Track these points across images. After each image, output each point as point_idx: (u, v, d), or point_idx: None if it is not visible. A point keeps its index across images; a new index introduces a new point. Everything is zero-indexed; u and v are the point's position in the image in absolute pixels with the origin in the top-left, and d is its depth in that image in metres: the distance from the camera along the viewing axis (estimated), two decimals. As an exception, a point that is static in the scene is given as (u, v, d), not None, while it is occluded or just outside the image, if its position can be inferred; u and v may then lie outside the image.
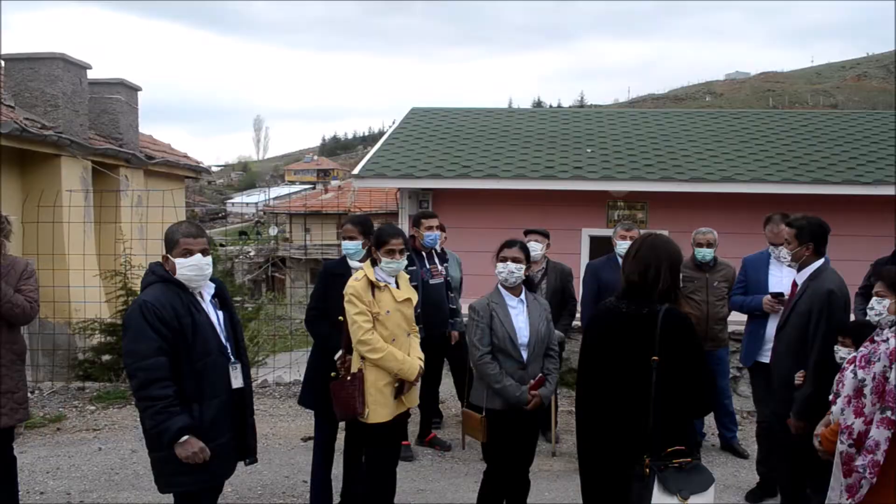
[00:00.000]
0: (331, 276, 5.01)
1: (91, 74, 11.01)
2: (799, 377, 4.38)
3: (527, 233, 6.71)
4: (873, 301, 3.69)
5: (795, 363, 4.45)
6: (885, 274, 3.69)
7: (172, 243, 3.67)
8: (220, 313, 3.82)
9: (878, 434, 3.29)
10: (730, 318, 6.53)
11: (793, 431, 4.30)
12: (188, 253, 3.64)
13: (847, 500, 3.40)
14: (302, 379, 7.75)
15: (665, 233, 3.43)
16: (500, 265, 4.51)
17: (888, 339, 3.46)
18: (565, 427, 6.89)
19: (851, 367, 3.60)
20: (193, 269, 3.65)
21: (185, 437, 3.48)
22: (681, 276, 3.33)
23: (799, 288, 4.56)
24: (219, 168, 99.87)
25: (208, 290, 3.80)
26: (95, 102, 11.39)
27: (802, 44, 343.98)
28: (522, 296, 4.57)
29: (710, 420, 6.78)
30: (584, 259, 9.35)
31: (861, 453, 3.35)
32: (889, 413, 3.26)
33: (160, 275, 3.66)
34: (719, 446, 6.61)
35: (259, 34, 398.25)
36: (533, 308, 4.56)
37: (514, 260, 4.48)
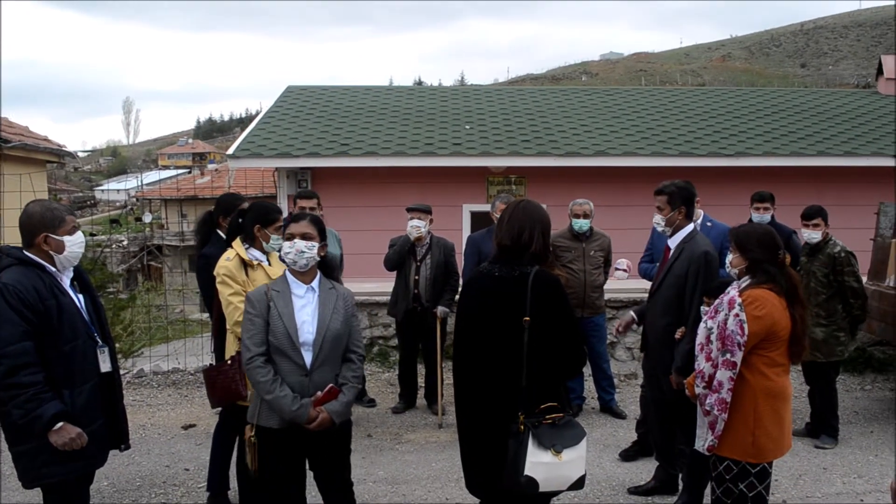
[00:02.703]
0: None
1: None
2: (679, 333, 4.56)
3: (409, 210, 6.71)
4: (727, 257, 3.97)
5: (670, 323, 4.63)
6: (732, 232, 3.94)
7: (58, 221, 3.50)
8: (81, 297, 3.65)
9: (722, 375, 3.62)
10: (606, 287, 6.76)
11: (674, 387, 4.48)
12: (75, 230, 3.55)
13: (710, 437, 3.70)
14: (181, 367, 7.40)
15: (543, 206, 3.49)
16: (286, 244, 3.59)
17: (730, 291, 3.76)
18: (451, 399, 6.94)
19: (705, 318, 3.91)
20: (81, 245, 3.58)
21: (60, 424, 3.32)
22: (552, 241, 3.40)
23: (673, 251, 4.73)
24: (86, 153, 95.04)
25: (67, 273, 3.62)
26: (-59, 81, 10.55)
27: (672, 26, 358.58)
28: (315, 283, 3.67)
29: (589, 384, 7.02)
30: (466, 234, 9.43)
31: (710, 393, 3.68)
32: (728, 356, 3.59)
33: (17, 256, 3.46)
34: (598, 409, 6.85)
35: (128, 13, 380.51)
36: (326, 299, 3.64)
37: (304, 237, 3.57)
